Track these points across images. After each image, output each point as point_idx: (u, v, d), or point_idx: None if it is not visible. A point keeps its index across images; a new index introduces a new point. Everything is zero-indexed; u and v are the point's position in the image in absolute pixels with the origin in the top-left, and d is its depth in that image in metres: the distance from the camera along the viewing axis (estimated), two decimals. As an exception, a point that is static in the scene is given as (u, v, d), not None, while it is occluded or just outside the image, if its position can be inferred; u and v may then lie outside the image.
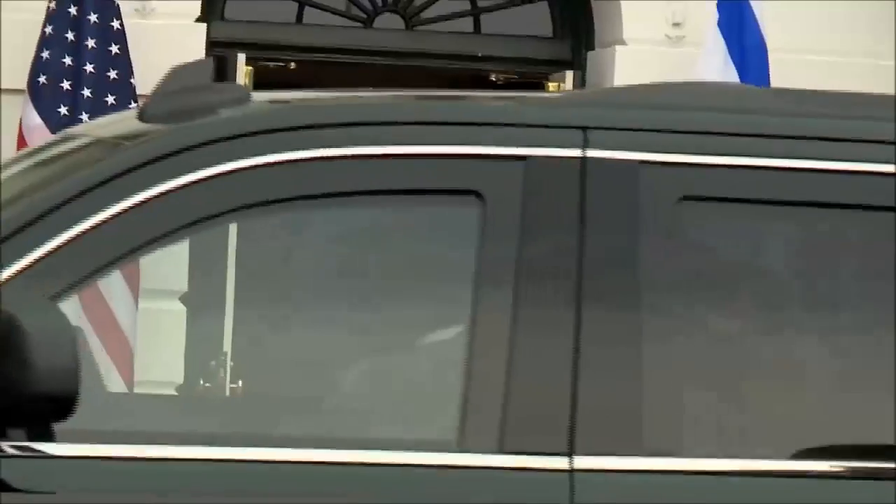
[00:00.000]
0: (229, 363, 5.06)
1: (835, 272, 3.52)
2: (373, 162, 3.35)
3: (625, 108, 3.56)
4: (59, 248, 3.21)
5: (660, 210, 3.38)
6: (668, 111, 3.47)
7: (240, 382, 4.81)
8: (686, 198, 3.36)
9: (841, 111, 3.69)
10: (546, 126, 3.37)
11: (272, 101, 3.86)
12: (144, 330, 7.45)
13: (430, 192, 3.39)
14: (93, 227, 3.24)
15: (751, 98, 3.92)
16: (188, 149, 3.31)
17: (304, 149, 3.33)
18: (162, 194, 3.26)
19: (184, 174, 3.27)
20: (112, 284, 6.33)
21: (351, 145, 3.33)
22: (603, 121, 3.40)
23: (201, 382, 6.48)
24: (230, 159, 3.30)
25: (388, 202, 3.42)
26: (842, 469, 3.33)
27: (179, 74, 3.50)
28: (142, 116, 3.43)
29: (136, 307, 7.15)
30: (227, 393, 5.39)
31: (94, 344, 6.12)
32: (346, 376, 3.62)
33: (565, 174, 3.37)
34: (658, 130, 3.39)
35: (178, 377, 6.40)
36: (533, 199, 3.35)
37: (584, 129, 3.36)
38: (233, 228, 3.67)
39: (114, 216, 3.25)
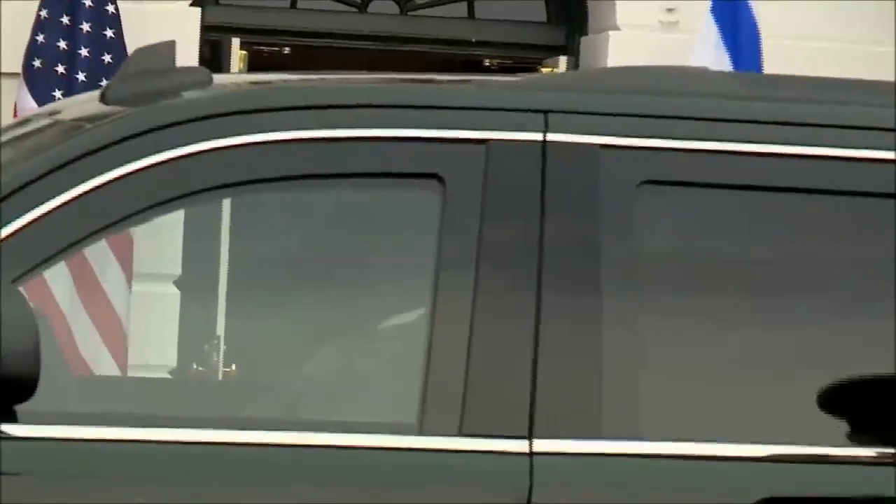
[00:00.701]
0: (219, 355, 5.14)
1: (794, 256, 3.54)
2: (333, 145, 3.36)
3: (586, 92, 3.57)
4: (18, 230, 3.26)
5: (620, 194, 3.41)
6: (628, 95, 3.47)
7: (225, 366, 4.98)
8: (646, 182, 3.39)
9: (797, 95, 3.68)
10: (507, 109, 3.38)
11: (235, 84, 3.92)
12: (138, 313, 7.44)
13: (390, 176, 3.40)
14: (53, 210, 3.29)
15: (710, 82, 3.94)
16: (150, 130, 3.32)
17: (263, 131, 3.34)
18: (123, 176, 3.29)
19: (145, 156, 3.29)
20: (106, 268, 6.61)
21: (311, 128, 3.35)
22: (564, 104, 3.40)
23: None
24: (190, 142, 3.31)
25: (348, 185, 3.44)
26: (796, 453, 3.32)
27: (143, 56, 3.53)
28: (104, 98, 3.46)
29: (130, 291, 7.10)
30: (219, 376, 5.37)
31: (88, 327, 6.46)
32: (309, 360, 3.66)
33: (526, 157, 3.37)
34: (618, 114, 3.41)
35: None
36: (494, 183, 3.36)
37: (545, 112, 3.38)
38: (194, 211, 3.79)
39: (74, 198, 3.29)
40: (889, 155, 3.47)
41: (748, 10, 7.92)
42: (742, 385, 3.38)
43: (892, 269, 3.44)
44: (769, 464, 3.36)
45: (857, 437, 3.47)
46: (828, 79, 4.20)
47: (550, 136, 3.36)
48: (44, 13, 7.76)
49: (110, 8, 7.83)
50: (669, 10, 8.42)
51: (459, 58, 9.04)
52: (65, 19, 7.82)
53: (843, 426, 3.45)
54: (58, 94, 7.47)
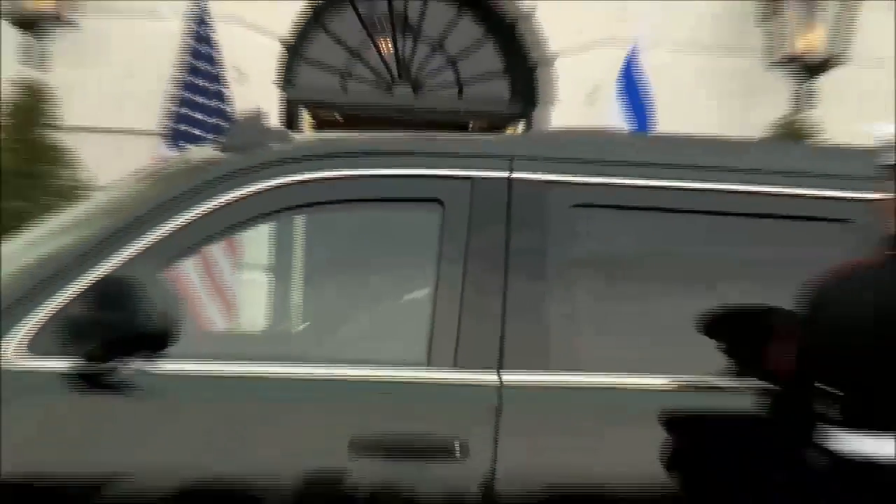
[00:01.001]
0: (295, 319, 5.81)
1: (666, 250, 4.24)
2: (374, 180, 4.10)
3: (536, 145, 4.32)
4: (165, 235, 3.96)
5: (559, 213, 4.11)
6: (563, 147, 4.24)
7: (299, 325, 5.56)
8: (576, 205, 4.13)
9: (670, 147, 4.45)
10: (485, 156, 4.14)
11: (305, 139, 4.81)
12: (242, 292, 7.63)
13: (410, 200, 4.14)
14: (182, 226, 3.97)
15: (617, 139, 4.89)
16: (249, 169, 4.06)
17: (326, 170, 4.08)
18: (232, 200, 4.02)
19: (247, 186, 4.03)
20: (222, 260, 6.77)
21: (358, 168, 4.08)
22: (522, 153, 4.15)
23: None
24: (275, 176, 4.06)
25: (382, 206, 4.17)
26: (679, 382, 4.03)
27: (245, 121, 4.33)
28: (221, 148, 4.24)
29: (237, 273, 7.08)
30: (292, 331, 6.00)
31: (211, 299, 6.69)
32: (354, 319, 4.48)
33: (498, 189, 4.10)
34: (558, 160, 4.17)
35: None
36: (477, 205, 4.11)
37: (510, 158, 4.11)
38: (269, 228, 4.65)
39: (192, 218, 4.00)
40: (728, 186, 4.23)
41: (642, 88, 9.13)
42: (640, 336, 4.14)
43: (727, 262, 4.20)
44: (668, 391, 4.01)
45: (714, 368, 4.08)
46: (689, 135, 5.05)
47: (514, 175, 4.11)
48: (181, 93, 8.85)
49: (226, 91, 8.92)
50: (593, 90, 9.52)
51: (453, 121, 10.11)
52: (196, 98, 8.91)
53: (699, 363, 4.07)
54: (185, 145, 8.34)
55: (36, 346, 3.89)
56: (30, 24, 8.65)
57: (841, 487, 3.97)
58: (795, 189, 4.30)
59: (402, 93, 10.21)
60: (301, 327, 5.53)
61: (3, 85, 8.70)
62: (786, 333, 4.15)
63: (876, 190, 3.99)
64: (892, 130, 4.23)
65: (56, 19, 8.67)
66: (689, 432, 4.13)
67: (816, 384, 3.95)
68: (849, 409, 3.92)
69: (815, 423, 3.93)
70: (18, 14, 8.55)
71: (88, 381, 3.94)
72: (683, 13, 9.55)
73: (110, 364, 3.92)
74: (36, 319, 3.94)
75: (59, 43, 8.83)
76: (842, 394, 3.94)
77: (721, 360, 4.22)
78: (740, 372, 4.20)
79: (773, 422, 4.11)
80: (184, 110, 8.87)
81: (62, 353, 3.87)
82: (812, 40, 9.20)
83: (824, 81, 9.42)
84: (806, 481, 4.09)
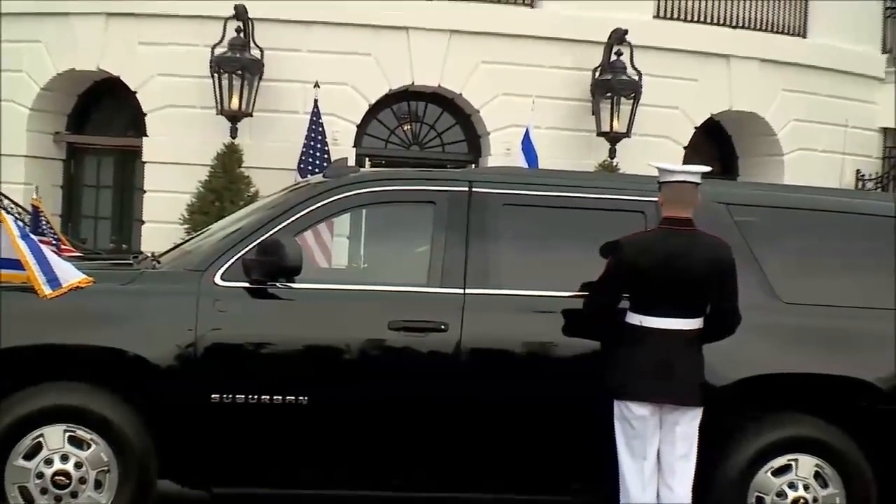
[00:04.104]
0: (362, 261, 8.98)
1: (557, 235, 6.48)
2: (399, 191, 6.49)
3: (483, 175, 6.82)
4: (297, 218, 6.38)
5: (495, 209, 6.35)
6: (499, 175, 6.75)
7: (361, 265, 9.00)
8: (506, 204, 6.34)
9: (548, 174, 7.14)
10: (455, 180, 6.54)
11: (369, 171, 8.39)
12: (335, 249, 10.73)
13: (417, 202, 6.41)
14: (305, 213, 6.39)
15: (522, 171, 9.21)
16: (340, 186, 6.41)
17: (376, 186, 6.50)
18: (331, 201, 6.43)
19: (340, 195, 6.40)
20: (325, 231, 9.12)
21: (393, 186, 6.52)
22: (477, 178, 6.56)
23: (353, 265, 10.75)
24: (351, 190, 6.41)
25: (405, 204, 6.50)
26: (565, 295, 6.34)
27: (338, 162, 7.05)
28: (325, 175, 6.64)
29: (333, 239, 10.14)
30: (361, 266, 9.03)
31: (318, 251, 8.70)
32: (392, 263, 6.93)
33: (463, 197, 6.34)
34: (496, 181, 6.47)
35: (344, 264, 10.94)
36: (453, 206, 6.30)
37: (469, 181, 6.46)
38: (348, 215, 6.94)
39: (310, 210, 6.42)
40: (581, 194, 6.52)
41: (532, 146, 14.39)
42: (536, 271, 6.31)
43: (583, 232, 6.50)
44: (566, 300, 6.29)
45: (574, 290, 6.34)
46: (556, 169, 9.00)
47: (474, 189, 6.37)
48: (305, 149, 14.16)
49: (326, 147, 14.25)
50: (508, 149, 15.17)
51: (440, 164, 15.02)
52: (310, 150, 14.25)
53: (561, 283, 6.44)
54: (307, 177, 11.77)
55: (227, 275, 6.30)
56: (234, 118, 15.11)
57: (625, 337, 6.40)
58: (616, 195, 6.61)
59: (414, 150, 15.90)
60: (364, 265, 8.41)
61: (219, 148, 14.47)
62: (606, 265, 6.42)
63: (656, 195, 6.39)
64: (662, 165, 6.49)
65: (249, 116, 15.09)
66: (546, 318, 6.35)
67: (622, 291, 6.38)
68: (636, 302, 6.42)
69: (620, 308, 6.36)
70: (229, 112, 14.87)
71: (256, 294, 6.34)
72: (552, 109, 15.58)
73: (267, 284, 6.30)
74: (229, 263, 6.35)
75: (248, 126, 15.08)
76: (629, 293, 6.37)
77: (573, 281, 6.52)
78: (582, 288, 6.50)
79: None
80: (308, 158, 14.27)
81: (242, 279, 6.23)
82: (616, 124, 15.82)
83: (623, 144, 15.78)
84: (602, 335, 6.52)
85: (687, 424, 6.36)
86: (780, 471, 6.70)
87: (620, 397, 6.38)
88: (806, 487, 6.69)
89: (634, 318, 6.41)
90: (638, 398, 6.29)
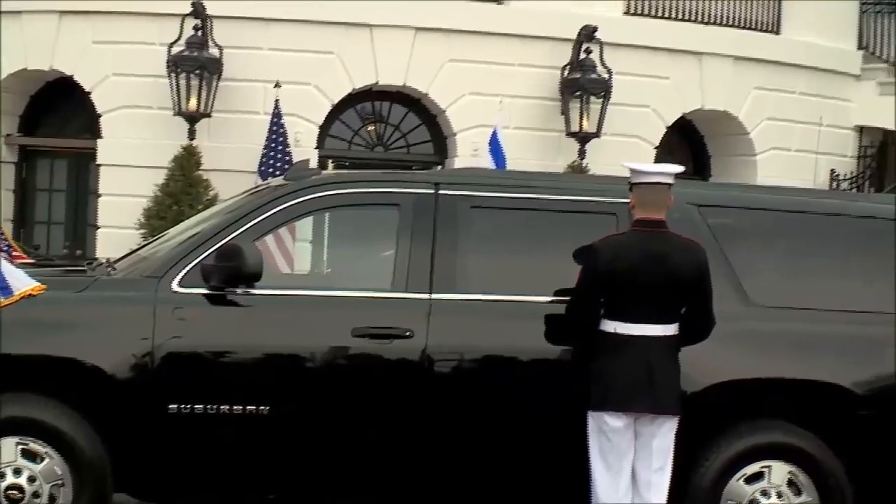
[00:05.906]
0: (325, 266, 9.19)
1: (521, 228, 6.54)
2: (362, 194, 6.58)
3: (451, 176, 6.84)
4: (257, 222, 6.42)
5: (462, 211, 6.39)
6: (466, 176, 6.75)
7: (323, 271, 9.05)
8: (473, 207, 6.39)
9: (516, 175, 7.34)
10: (422, 182, 6.49)
11: (330, 174, 7.74)
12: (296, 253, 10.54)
13: (383, 204, 6.49)
14: (266, 217, 6.45)
15: (497, 172, 9.96)
16: (302, 189, 6.45)
17: (342, 190, 6.54)
18: (292, 205, 6.47)
19: (298, 198, 6.46)
20: (286, 236, 8.68)
21: (356, 188, 6.61)
22: (443, 179, 6.56)
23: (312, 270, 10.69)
24: (313, 193, 6.43)
25: (371, 207, 6.54)
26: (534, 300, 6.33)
27: (299, 164, 7.59)
28: (286, 178, 6.80)
29: (294, 243, 9.97)
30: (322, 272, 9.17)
31: (279, 256, 8.89)
32: (356, 267, 6.95)
33: (428, 199, 6.36)
34: (463, 183, 6.50)
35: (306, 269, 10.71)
36: (419, 209, 6.33)
37: (436, 183, 6.45)
38: (311, 219, 6.95)
39: (271, 213, 6.45)
40: (550, 196, 6.49)
41: (500, 146, 14.47)
42: (503, 274, 6.37)
43: (552, 234, 6.52)
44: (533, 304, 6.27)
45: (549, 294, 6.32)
46: (524, 171, 9.17)
47: (440, 191, 6.38)
48: (266, 150, 14.21)
49: (288, 149, 14.27)
50: (475, 150, 15.19)
51: (406, 166, 15.04)
52: (271, 152, 14.30)
53: (530, 287, 6.45)
54: (268, 180, 11.55)
55: (185, 282, 6.33)
56: (193, 119, 15.07)
57: (599, 346, 6.36)
58: (587, 197, 6.69)
59: (378, 151, 16.03)
60: (327, 270, 8.28)
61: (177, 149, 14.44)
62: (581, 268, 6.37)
63: (628, 197, 6.37)
64: (634, 166, 6.47)
65: (208, 116, 15.06)
66: (516, 323, 6.39)
67: (602, 297, 6.27)
68: (611, 309, 6.31)
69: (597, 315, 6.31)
70: (187, 113, 14.89)
71: (215, 300, 6.35)
72: (521, 108, 15.60)
73: (226, 290, 6.31)
74: (187, 269, 6.37)
75: (206, 127, 15.10)
76: (604, 299, 6.30)
77: (543, 285, 6.50)
78: (553, 293, 6.51)
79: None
80: (269, 160, 14.39)
81: (200, 285, 6.23)
82: (585, 123, 16.06)
83: (593, 144, 15.87)
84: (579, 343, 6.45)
85: (663, 437, 6.36)
86: (753, 478, 6.72)
87: (597, 409, 6.36)
88: (779, 495, 6.70)
89: (609, 326, 6.39)
90: (618, 409, 6.27)
